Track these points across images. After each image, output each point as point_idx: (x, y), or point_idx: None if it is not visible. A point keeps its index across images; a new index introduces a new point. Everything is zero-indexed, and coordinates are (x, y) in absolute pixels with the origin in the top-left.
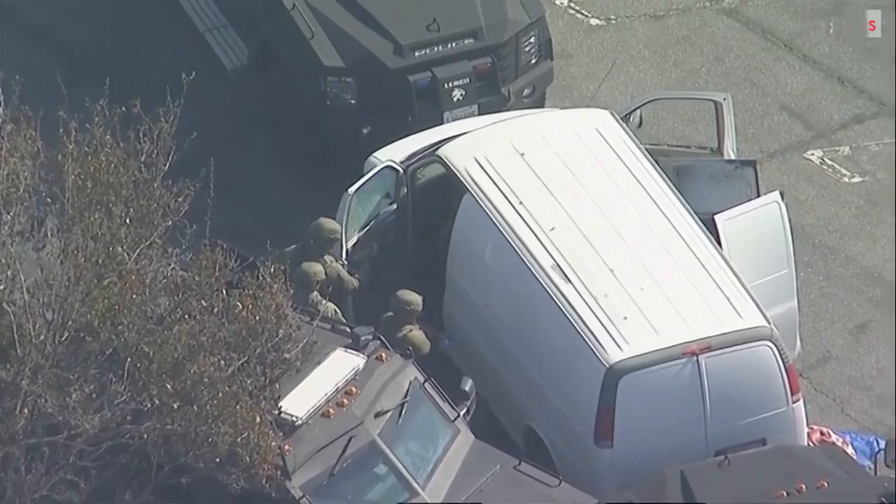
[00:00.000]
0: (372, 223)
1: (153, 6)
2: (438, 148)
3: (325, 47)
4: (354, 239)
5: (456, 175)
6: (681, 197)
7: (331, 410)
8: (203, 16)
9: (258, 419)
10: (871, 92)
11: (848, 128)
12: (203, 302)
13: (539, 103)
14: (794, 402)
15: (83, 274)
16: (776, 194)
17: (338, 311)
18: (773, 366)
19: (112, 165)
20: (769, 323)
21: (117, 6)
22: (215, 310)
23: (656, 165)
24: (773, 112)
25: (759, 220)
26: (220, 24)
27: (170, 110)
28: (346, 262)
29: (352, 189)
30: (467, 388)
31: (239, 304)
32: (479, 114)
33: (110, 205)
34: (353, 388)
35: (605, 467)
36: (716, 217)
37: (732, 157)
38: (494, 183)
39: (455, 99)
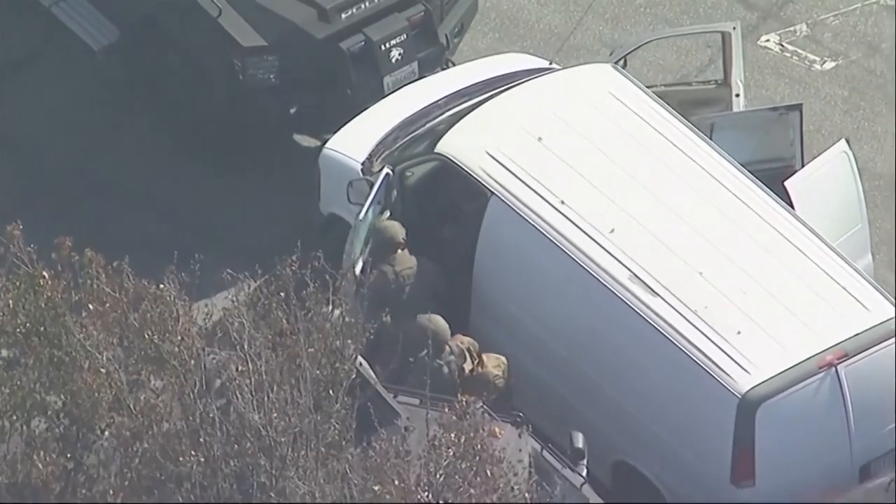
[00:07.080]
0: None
1: None
2: (435, 143)
3: (239, 25)
4: (360, 264)
5: (471, 176)
6: (737, 164)
7: None
8: None
9: None
10: None
11: (795, 0)
12: None
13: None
14: None
15: None
16: (843, 143)
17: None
18: None
19: None
20: None
21: None
22: None
23: (691, 125)
24: None
25: (829, 177)
26: None
27: None
28: None
29: (361, 214)
30: (581, 446)
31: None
32: (420, 71)
33: None
34: None
35: None
36: (786, 184)
37: (741, 87)
38: (523, 181)
39: (394, 60)
